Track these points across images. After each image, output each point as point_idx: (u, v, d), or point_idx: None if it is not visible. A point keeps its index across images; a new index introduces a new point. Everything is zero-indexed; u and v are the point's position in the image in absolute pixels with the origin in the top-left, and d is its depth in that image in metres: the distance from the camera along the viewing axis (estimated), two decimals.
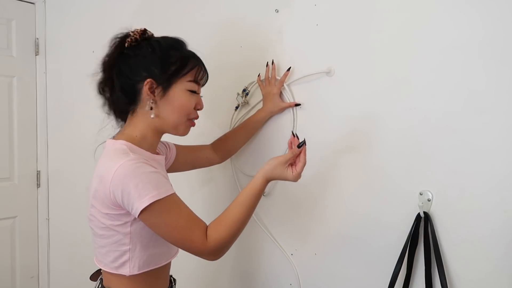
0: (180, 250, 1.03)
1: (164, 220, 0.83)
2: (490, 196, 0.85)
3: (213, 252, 0.86)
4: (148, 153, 0.94)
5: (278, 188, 1.27)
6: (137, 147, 0.91)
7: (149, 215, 0.82)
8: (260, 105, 1.27)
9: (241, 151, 1.35)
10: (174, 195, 0.86)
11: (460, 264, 0.90)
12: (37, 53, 2.01)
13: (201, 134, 1.45)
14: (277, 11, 1.22)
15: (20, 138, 1.99)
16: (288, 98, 1.20)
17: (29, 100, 2.01)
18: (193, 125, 1.01)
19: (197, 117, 1.00)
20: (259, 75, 1.25)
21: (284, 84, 1.20)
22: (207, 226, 0.87)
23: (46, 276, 2.09)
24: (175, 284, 1.09)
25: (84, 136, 1.68)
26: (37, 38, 2.00)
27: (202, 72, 0.98)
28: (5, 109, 1.94)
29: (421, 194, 0.95)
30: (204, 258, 0.88)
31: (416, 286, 0.97)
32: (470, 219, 0.88)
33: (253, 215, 1.31)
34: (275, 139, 1.26)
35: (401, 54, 0.97)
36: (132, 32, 0.94)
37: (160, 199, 0.81)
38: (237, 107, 1.34)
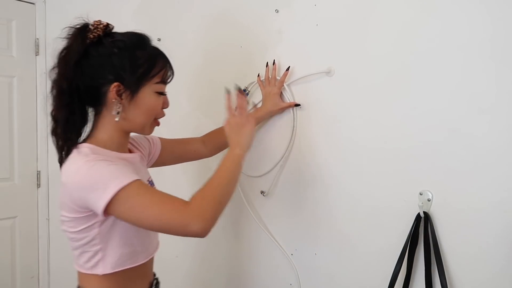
0: (161, 245, 1.03)
1: (134, 203, 0.78)
2: (490, 196, 0.85)
3: (198, 218, 0.78)
4: (115, 153, 0.90)
5: (278, 188, 1.27)
6: (102, 149, 0.88)
7: (117, 205, 0.77)
8: (260, 105, 1.27)
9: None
10: (139, 181, 0.80)
11: (460, 264, 0.90)
12: (37, 53, 2.01)
13: (201, 134, 1.45)
14: (277, 11, 1.22)
15: (20, 138, 1.99)
16: (288, 98, 1.20)
17: (29, 100, 2.01)
18: (158, 124, 0.98)
19: (162, 116, 0.97)
20: (258, 75, 1.25)
21: (284, 84, 1.20)
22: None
23: (46, 276, 2.09)
24: (156, 286, 1.06)
25: (84, 136, 1.68)
26: (37, 38, 2.00)
27: (169, 72, 0.95)
28: (5, 109, 1.94)
29: (421, 194, 0.95)
30: (190, 232, 0.79)
31: (416, 286, 0.97)
32: (470, 219, 0.88)
33: (253, 215, 1.32)
34: (275, 139, 1.26)
35: (401, 54, 0.97)
36: (93, 25, 0.87)
37: (124, 186, 0.77)
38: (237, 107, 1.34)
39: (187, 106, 1.52)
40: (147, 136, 1.11)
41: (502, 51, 0.83)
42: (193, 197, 0.83)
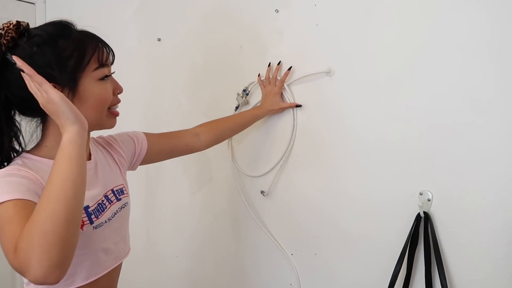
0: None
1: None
2: (490, 196, 0.85)
3: (18, 264, 0.60)
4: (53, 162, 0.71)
5: (278, 188, 1.27)
6: (39, 159, 0.78)
7: None
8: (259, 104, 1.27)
9: (242, 151, 1.35)
10: (9, 202, 0.65)
11: (460, 264, 0.90)
12: None
13: None
14: (277, 11, 1.22)
15: None
16: (289, 98, 1.20)
17: None
18: (117, 114, 0.87)
19: (117, 102, 0.87)
20: (259, 74, 1.25)
21: (284, 84, 1.20)
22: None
23: None
24: None
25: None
26: None
27: (104, 52, 0.82)
28: None
29: (421, 194, 0.95)
30: (32, 281, 0.60)
31: (416, 286, 0.97)
32: (470, 219, 0.88)
33: (253, 215, 1.32)
34: (275, 139, 1.26)
35: (401, 54, 0.97)
36: (2, 29, 0.74)
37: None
38: (237, 107, 1.34)
39: (187, 106, 1.52)
40: (130, 135, 1.03)
41: (501, 51, 0.83)
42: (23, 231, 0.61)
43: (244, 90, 1.31)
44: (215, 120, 1.21)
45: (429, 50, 0.92)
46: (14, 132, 0.81)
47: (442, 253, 0.92)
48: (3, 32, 0.74)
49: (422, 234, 0.95)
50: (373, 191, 1.04)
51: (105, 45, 0.83)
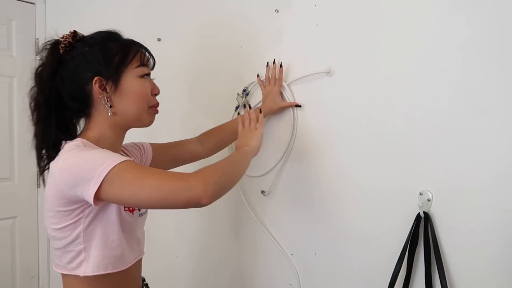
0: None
1: (128, 177, 0.76)
2: (490, 196, 0.85)
3: (200, 180, 0.76)
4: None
5: (278, 188, 1.27)
6: (93, 144, 0.88)
7: (110, 185, 0.75)
8: (260, 105, 1.27)
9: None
10: (130, 160, 0.79)
11: (460, 264, 0.90)
12: (37, 53, 2.01)
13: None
14: (277, 11, 1.22)
15: (20, 138, 1.98)
16: (288, 98, 1.20)
17: None
18: (157, 112, 0.96)
19: (157, 104, 0.96)
20: (258, 75, 1.25)
21: (284, 84, 1.20)
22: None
23: (46, 276, 2.09)
24: None
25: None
26: (37, 38, 2.00)
27: (145, 54, 0.94)
28: (5, 109, 1.93)
29: (421, 194, 0.95)
30: (192, 197, 0.75)
31: (416, 286, 0.97)
32: (470, 219, 0.88)
33: (253, 215, 1.32)
34: (275, 139, 1.26)
35: (401, 54, 0.98)
36: (62, 37, 0.90)
37: (116, 165, 0.75)
38: (237, 107, 1.35)
39: (187, 106, 1.52)
40: (138, 144, 1.10)
41: (501, 51, 0.83)
42: (199, 170, 0.81)
43: (244, 90, 1.31)
44: (216, 126, 1.24)
45: (429, 50, 0.92)
46: (63, 120, 0.91)
47: (442, 253, 0.92)
48: (62, 39, 0.89)
49: (422, 234, 0.95)
50: (373, 191, 1.04)
51: (147, 51, 0.95)
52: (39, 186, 2.06)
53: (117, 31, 0.93)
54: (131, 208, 0.91)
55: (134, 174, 0.76)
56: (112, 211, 0.86)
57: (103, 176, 0.75)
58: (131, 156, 1.05)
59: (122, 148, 1.01)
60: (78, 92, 0.88)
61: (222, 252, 1.45)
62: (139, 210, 0.95)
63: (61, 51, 0.88)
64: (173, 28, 1.53)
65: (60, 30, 0.91)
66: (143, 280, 1.05)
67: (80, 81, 0.87)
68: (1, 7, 1.90)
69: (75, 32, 0.90)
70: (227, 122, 1.25)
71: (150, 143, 1.14)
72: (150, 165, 1.12)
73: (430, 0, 0.92)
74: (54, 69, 0.88)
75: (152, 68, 0.97)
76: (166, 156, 1.16)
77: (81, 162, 0.77)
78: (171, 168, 1.18)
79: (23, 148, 2.00)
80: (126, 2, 1.67)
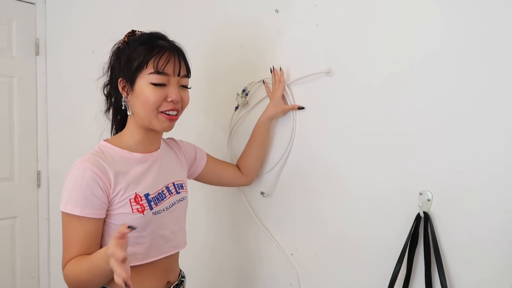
0: (184, 246, 1.10)
1: (63, 227, 0.91)
2: (490, 196, 0.85)
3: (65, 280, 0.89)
4: (125, 152, 0.96)
5: (278, 188, 1.27)
6: (114, 147, 0.96)
7: (62, 216, 0.90)
8: (260, 105, 1.27)
9: (241, 152, 1.34)
10: (79, 217, 0.87)
11: (460, 264, 0.90)
12: (37, 53, 2.01)
13: (201, 134, 1.45)
14: (277, 11, 1.22)
15: (21, 138, 1.99)
16: (289, 98, 1.20)
17: (30, 101, 2.01)
18: (171, 119, 0.96)
19: (171, 109, 0.95)
20: (264, 82, 1.24)
21: (285, 85, 1.19)
22: (75, 257, 0.88)
23: (46, 276, 2.09)
24: (178, 285, 1.08)
25: (85, 136, 1.68)
26: (38, 38, 2.00)
27: (163, 61, 0.92)
28: (5, 109, 1.94)
29: (421, 194, 0.95)
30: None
31: (416, 286, 0.97)
32: (470, 219, 0.88)
33: (253, 215, 1.32)
34: (275, 139, 1.26)
35: (400, 54, 0.98)
36: (126, 35, 0.98)
37: (66, 213, 0.88)
38: (237, 107, 1.34)
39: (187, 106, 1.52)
40: (196, 147, 1.18)
41: (501, 51, 0.83)
42: (70, 265, 0.88)
43: (243, 90, 1.31)
44: (241, 154, 1.25)
45: (429, 50, 0.92)
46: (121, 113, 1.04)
47: (442, 253, 0.92)
48: (124, 39, 0.98)
49: (422, 234, 0.95)
50: (373, 191, 1.04)
51: (170, 59, 0.93)
52: (39, 186, 2.06)
53: (161, 34, 0.98)
54: (140, 209, 0.93)
55: (63, 232, 0.90)
56: (116, 219, 0.93)
57: (62, 210, 0.89)
58: (182, 150, 1.13)
59: (177, 142, 1.14)
60: (115, 91, 0.98)
61: (222, 252, 1.45)
62: (151, 208, 0.95)
63: (120, 47, 0.98)
64: (173, 29, 1.52)
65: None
66: (182, 276, 1.11)
67: (116, 78, 0.97)
68: (1, 7, 1.90)
69: (133, 31, 0.97)
70: (246, 147, 1.24)
71: (207, 154, 1.21)
72: (201, 173, 1.19)
73: (430, 0, 0.92)
74: (111, 65, 1.00)
75: (188, 76, 1.01)
76: (214, 170, 1.21)
77: (67, 185, 0.91)
78: (214, 184, 1.26)
79: (23, 148, 2.00)
80: (126, 2, 1.67)
